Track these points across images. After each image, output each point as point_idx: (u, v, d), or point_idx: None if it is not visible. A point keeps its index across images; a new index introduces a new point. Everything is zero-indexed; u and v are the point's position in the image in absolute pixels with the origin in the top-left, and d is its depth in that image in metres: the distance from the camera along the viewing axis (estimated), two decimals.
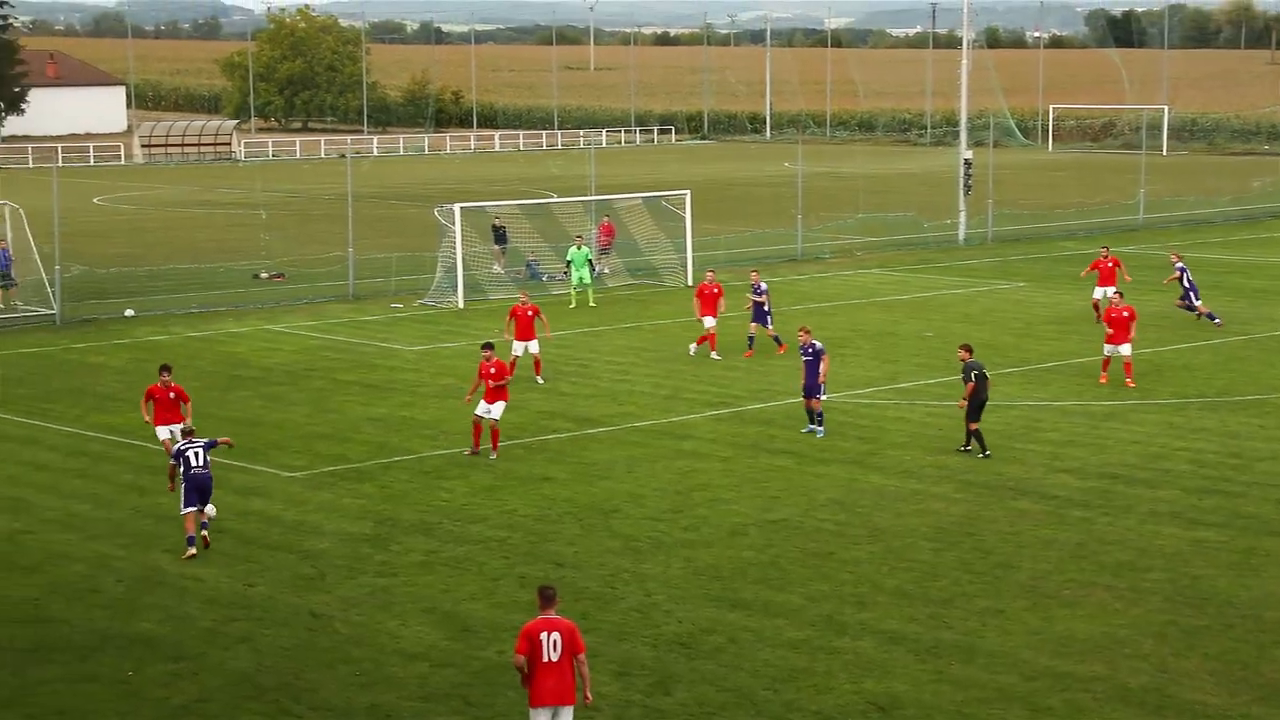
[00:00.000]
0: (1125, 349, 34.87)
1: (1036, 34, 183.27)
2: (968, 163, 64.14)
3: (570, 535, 24.22)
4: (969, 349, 29.69)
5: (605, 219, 54.52)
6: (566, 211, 56.30)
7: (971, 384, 28.85)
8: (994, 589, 21.79)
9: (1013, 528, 24.60)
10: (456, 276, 47.04)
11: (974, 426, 29.04)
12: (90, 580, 22.17)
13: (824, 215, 67.88)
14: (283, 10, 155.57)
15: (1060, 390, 34.79)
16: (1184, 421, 31.72)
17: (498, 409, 28.65)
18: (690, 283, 50.56)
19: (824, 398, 30.39)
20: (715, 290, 38.46)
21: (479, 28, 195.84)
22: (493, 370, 28.78)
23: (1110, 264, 42.85)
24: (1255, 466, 28.18)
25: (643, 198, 55.96)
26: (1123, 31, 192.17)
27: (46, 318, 44.07)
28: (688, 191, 53.11)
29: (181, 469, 23.41)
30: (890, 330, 42.56)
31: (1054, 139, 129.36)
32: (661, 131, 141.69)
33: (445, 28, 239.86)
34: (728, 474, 27.79)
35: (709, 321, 38.34)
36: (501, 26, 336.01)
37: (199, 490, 23.18)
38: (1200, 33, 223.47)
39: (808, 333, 30.68)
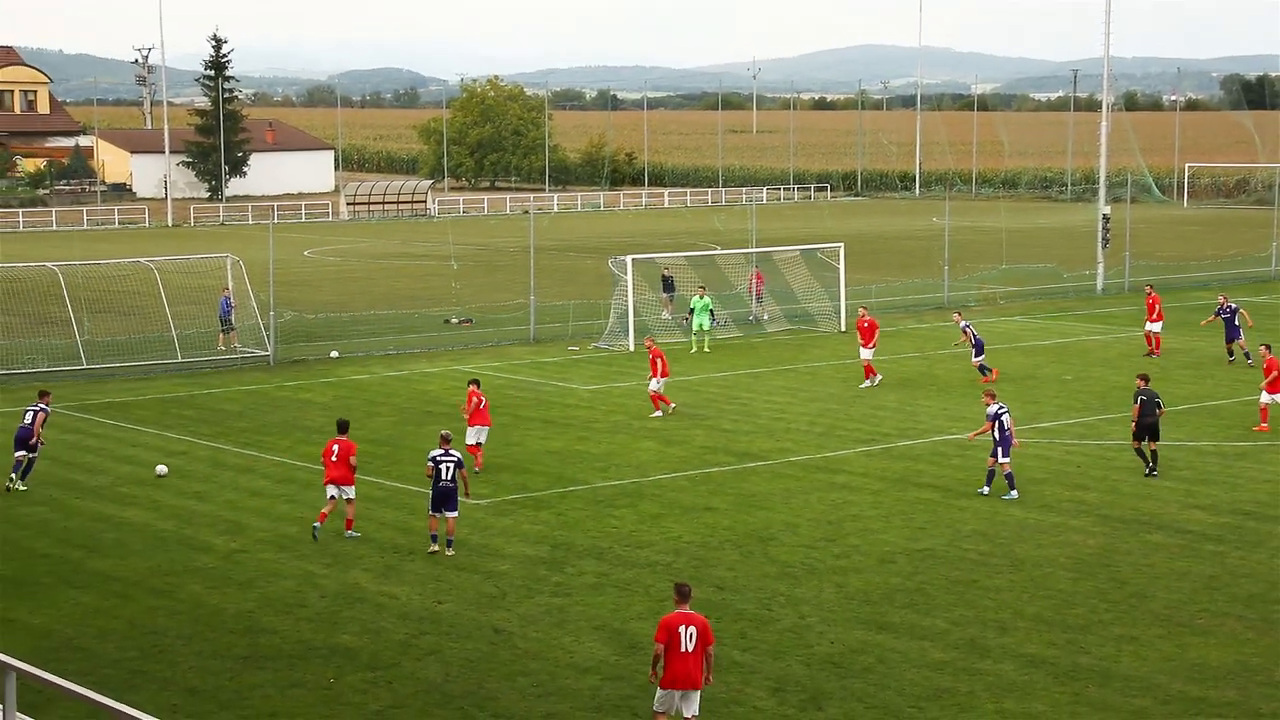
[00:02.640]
0: None
1: (1173, 97, 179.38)
2: (1106, 217, 63.00)
3: (730, 561, 24.18)
4: (1144, 378, 30.12)
5: (755, 268, 54.57)
6: (729, 262, 56.45)
7: (1137, 405, 29.07)
8: (1129, 617, 21.31)
9: (1147, 560, 24.04)
10: (628, 322, 47.35)
11: (1136, 445, 29.24)
12: (298, 596, 22.63)
13: (969, 266, 67.04)
14: (474, 81, 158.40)
15: (1195, 431, 33.93)
16: None
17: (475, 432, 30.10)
18: (844, 329, 50.38)
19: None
20: (866, 324, 39.89)
21: (651, 95, 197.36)
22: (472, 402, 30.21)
23: (1151, 300, 45.02)
24: None
25: (799, 249, 55.84)
26: (1256, 95, 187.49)
27: (261, 359, 45.16)
28: (841, 244, 52.91)
29: (433, 478, 24.60)
30: (1032, 374, 41.88)
31: (1189, 195, 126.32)
32: (818, 189, 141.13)
33: (620, 95, 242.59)
34: (877, 506, 27.55)
35: (864, 353, 39.97)
36: (671, 93, 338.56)
37: (439, 497, 24.51)
38: None
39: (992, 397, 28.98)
